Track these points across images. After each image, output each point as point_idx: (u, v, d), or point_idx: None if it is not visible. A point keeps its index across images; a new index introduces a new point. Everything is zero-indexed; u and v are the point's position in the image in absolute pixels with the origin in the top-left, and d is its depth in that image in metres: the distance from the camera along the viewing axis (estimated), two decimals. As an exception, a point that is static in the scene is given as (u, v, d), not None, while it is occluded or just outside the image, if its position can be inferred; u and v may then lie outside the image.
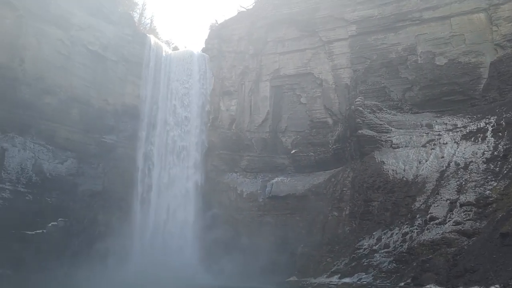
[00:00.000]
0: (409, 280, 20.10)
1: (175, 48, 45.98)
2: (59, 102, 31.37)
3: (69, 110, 32.01)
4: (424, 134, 29.02)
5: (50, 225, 29.44)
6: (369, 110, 31.43)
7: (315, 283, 26.62)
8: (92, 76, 33.78)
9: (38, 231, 28.59)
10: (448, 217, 22.01)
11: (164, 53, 38.69)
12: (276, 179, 36.27)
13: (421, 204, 24.49)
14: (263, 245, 32.49)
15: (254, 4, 41.99)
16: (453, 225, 21.09)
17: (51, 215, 29.69)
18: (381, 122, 30.85)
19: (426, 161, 27.07)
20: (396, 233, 24.34)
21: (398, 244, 23.48)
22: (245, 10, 42.09)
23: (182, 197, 35.26)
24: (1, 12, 28.30)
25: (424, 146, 28.28)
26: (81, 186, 32.39)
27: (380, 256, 23.87)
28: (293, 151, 36.74)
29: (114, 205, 33.67)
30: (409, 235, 23.15)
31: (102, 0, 35.15)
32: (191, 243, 33.39)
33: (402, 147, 29.03)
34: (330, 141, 35.41)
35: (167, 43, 47.33)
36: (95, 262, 28.56)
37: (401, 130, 30.09)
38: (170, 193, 35.14)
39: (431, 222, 22.29)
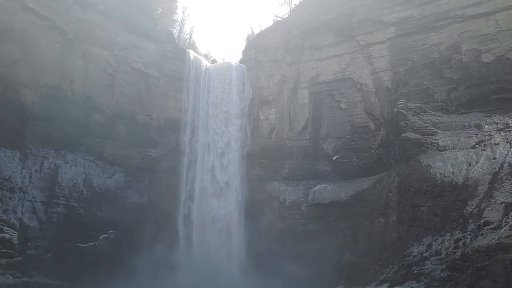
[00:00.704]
0: (464, 288, 19.21)
1: (214, 61, 47.01)
2: (106, 119, 32.83)
3: (116, 126, 33.41)
4: (473, 135, 27.76)
5: (101, 237, 30.70)
6: (412, 113, 30.52)
7: (364, 292, 26.01)
8: (136, 93, 35.13)
9: (90, 244, 29.90)
10: (503, 221, 20.84)
11: (203, 67, 39.59)
12: (318, 187, 35.88)
13: (474, 209, 23.38)
14: (308, 254, 32.15)
15: (289, 13, 42.20)
16: (509, 229, 19.94)
17: (102, 228, 30.96)
18: (425, 125, 29.85)
19: (477, 163, 25.85)
20: (448, 239, 23.34)
21: (450, 251, 22.50)
22: (280, 19, 42.37)
23: (225, 207, 35.62)
24: (52, 37, 30.10)
25: (473, 147, 27.03)
26: (129, 199, 33.57)
27: (431, 263, 22.98)
28: (335, 157, 36.21)
29: (160, 217, 34.60)
30: (462, 241, 22.12)
31: (144, 19, 36.66)
32: (235, 253, 33.60)
33: (449, 149, 27.90)
34: (373, 146, 34.62)
35: (206, 56, 48.51)
36: (144, 272, 29.35)
37: (447, 132, 28.94)
38: (213, 203, 35.60)
39: (486, 227, 21.20)
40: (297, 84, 38.62)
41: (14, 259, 25.86)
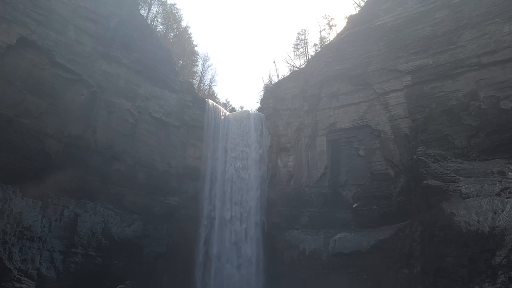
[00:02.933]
0: None
1: (232, 109, 48.04)
2: (127, 167, 33.34)
3: (136, 175, 33.82)
4: (497, 182, 27.01)
5: (118, 287, 30.19)
6: (432, 159, 30.07)
7: None
8: (156, 141, 35.83)
9: (106, 294, 29.39)
10: (535, 273, 19.85)
11: (222, 115, 40.42)
12: (339, 235, 35.01)
13: (502, 259, 22.32)
14: (331, 307, 30.92)
15: (306, 63, 43.26)
16: (542, 282, 18.94)
17: (119, 278, 30.54)
18: (447, 171, 29.28)
19: (503, 211, 24.97)
20: (477, 293, 22.19)
21: (481, 305, 21.34)
22: (297, 69, 43.40)
23: (245, 259, 34.91)
24: (78, 89, 31.41)
25: (498, 195, 26.22)
26: (147, 248, 33.29)
27: (461, 318, 21.76)
28: (355, 205, 35.55)
29: (178, 267, 34.04)
30: (492, 294, 21.01)
31: (166, 71, 38.12)
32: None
33: (473, 196, 27.10)
34: (394, 193, 33.96)
35: (225, 105, 49.68)
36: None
37: (470, 179, 28.26)
38: (231, 256, 34.95)
39: (516, 280, 20.17)
40: (315, 131, 38.83)
41: (31, 311, 25.55)
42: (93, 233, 30.46)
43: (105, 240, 30.97)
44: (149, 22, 46.81)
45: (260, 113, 41.08)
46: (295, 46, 57.77)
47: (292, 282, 33.46)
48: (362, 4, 44.42)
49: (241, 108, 53.58)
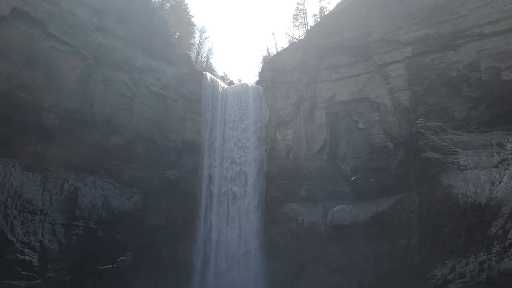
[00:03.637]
0: (491, 314, 18.44)
1: (231, 83, 47.54)
2: (125, 141, 33.28)
3: (134, 149, 33.80)
4: (495, 154, 27.08)
5: (119, 259, 30.66)
6: (431, 132, 30.05)
7: (386, 316, 25.27)
8: (154, 115, 35.64)
9: (108, 266, 29.87)
10: (530, 243, 20.12)
11: (220, 88, 40.09)
12: (337, 208, 35.33)
13: (498, 230, 22.61)
14: (328, 277, 31.51)
15: (305, 34, 42.57)
16: (537, 251, 19.24)
17: (120, 250, 30.96)
18: (445, 144, 29.30)
19: (500, 182, 25.12)
20: (472, 262, 22.57)
21: (475, 274, 21.72)
22: (296, 41, 42.74)
23: (243, 228, 35.36)
24: (73, 62, 31.00)
25: (496, 166, 26.33)
26: (147, 221, 33.60)
27: (455, 286, 22.23)
28: (353, 178, 35.74)
29: (178, 239, 34.47)
30: (487, 263, 21.35)
31: (162, 43, 37.52)
32: (253, 276, 33.14)
33: (471, 168, 27.23)
34: (392, 166, 34.07)
35: (223, 78, 49.16)
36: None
37: (468, 151, 28.31)
38: (231, 225, 35.39)
39: (511, 249, 20.47)
40: (314, 104, 38.61)
41: (34, 282, 25.97)
42: (93, 206, 30.68)
43: (105, 213, 31.22)
44: (145, -8, 45.69)
45: (258, 86, 40.71)
46: (294, 17, 56.71)
47: (290, 253, 33.99)
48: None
49: (239, 81, 53.11)
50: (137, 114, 34.31)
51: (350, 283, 30.32)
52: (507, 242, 20.98)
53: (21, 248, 25.98)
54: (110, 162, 32.36)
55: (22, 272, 25.46)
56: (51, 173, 28.88)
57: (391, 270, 29.18)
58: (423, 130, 30.23)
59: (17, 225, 26.22)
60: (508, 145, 27.25)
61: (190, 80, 38.49)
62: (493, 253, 21.54)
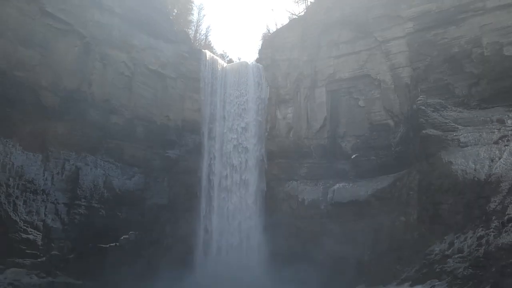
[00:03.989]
0: (488, 287, 18.76)
1: (230, 61, 47.09)
2: (125, 121, 33.26)
3: (134, 128, 33.82)
4: (496, 130, 27.07)
5: (122, 238, 31.10)
6: (432, 109, 29.95)
7: (385, 291, 25.73)
8: (153, 94, 35.48)
9: (111, 244, 30.31)
10: (528, 218, 20.30)
11: (219, 67, 39.72)
12: (337, 185, 35.58)
13: (497, 205, 22.79)
14: (328, 253, 31.92)
15: (305, 10, 41.92)
16: (535, 226, 19.43)
17: (123, 229, 31.35)
18: (446, 121, 29.25)
19: (500, 158, 25.19)
20: (471, 237, 22.84)
21: (473, 249, 22.00)
22: (296, 17, 42.15)
23: (244, 207, 35.67)
24: (71, 41, 30.68)
25: (496, 143, 26.35)
26: (149, 200, 33.92)
27: (453, 261, 22.54)
28: (354, 155, 35.85)
29: (180, 217, 34.82)
30: (485, 238, 21.61)
31: (161, 21, 37.03)
32: (253, 253, 33.60)
33: (471, 145, 27.27)
34: (392, 143, 34.11)
35: (222, 56, 48.66)
36: (165, 272, 29.60)
37: (469, 128, 28.29)
38: (233, 203, 35.69)
39: (510, 224, 20.68)
40: (314, 82, 38.34)
41: (39, 260, 26.43)
42: (95, 186, 30.93)
43: (107, 192, 31.50)
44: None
45: (258, 64, 40.34)
46: (294, -8, 55.55)
47: (290, 231, 34.37)
48: None
49: (239, 59, 52.56)
50: (136, 94, 34.16)
51: (350, 260, 30.75)
52: (506, 218, 21.17)
53: (25, 227, 26.33)
54: (110, 141, 32.43)
55: (27, 251, 25.90)
56: (52, 153, 29.01)
57: (391, 247, 29.56)
58: (423, 107, 30.11)
59: (19, 205, 26.51)
60: (509, 121, 27.20)
61: (189, 59, 38.12)
62: (491, 228, 21.77)
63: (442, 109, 30.12)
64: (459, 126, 28.79)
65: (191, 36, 45.93)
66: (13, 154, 26.72)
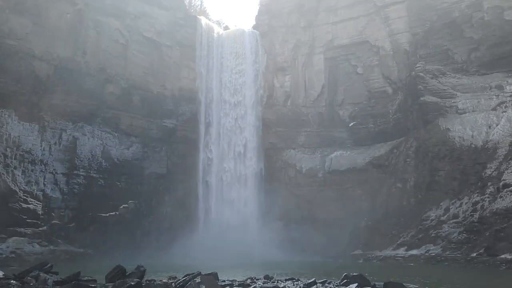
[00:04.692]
0: (481, 251, 19.16)
1: (226, 28, 46.05)
2: (121, 90, 32.88)
3: (131, 98, 33.47)
4: (494, 97, 27.00)
5: (121, 207, 31.36)
6: (431, 76, 29.73)
7: (381, 256, 26.26)
8: (149, 63, 34.93)
9: (111, 213, 30.62)
10: (524, 183, 20.52)
11: (215, 34, 38.96)
12: (335, 153, 35.74)
13: (493, 171, 23.01)
14: (326, 220, 32.41)
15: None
16: (530, 191, 19.66)
17: (122, 198, 31.60)
18: (444, 87, 29.11)
19: (497, 125, 25.24)
20: (466, 203, 23.18)
21: (468, 214, 22.37)
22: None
23: (242, 175, 35.85)
24: (63, 7, 29.90)
25: (494, 109, 26.34)
26: (147, 170, 34.02)
27: (449, 227, 22.96)
28: (352, 123, 35.79)
29: (179, 186, 35.04)
30: (480, 204, 21.93)
31: (154, -14, 35.94)
32: (252, 221, 34.01)
33: (469, 112, 27.28)
34: (390, 111, 34.03)
35: (218, 23, 47.54)
36: (164, 240, 30.06)
37: (467, 94, 28.20)
38: (230, 169, 35.83)
39: (505, 190, 20.92)
40: (312, 49, 37.81)
41: (40, 229, 26.70)
42: (93, 155, 30.92)
43: (105, 162, 31.53)
44: None
45: (255, 31, 39.56)
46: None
47: (288, 198, 34.74)
48: None
49: (235, 26, 51.43)
50: (131, 62, 33.61)
51: (347, 226, 31.24)
52: (501, 183, 21.40)
53: (25, 197, 26.49)
54: (107, 111, 32.18)
55: (28, 220, 26.12)
56: (48, 123, 28.83)
57: (387, 213, 30.00)
58: (422, 74, 29.89)
59: (18, 175, 26.56)
60: (507, 87, 27.07)
61: (185, 26, 37.27)
62: (486, 194, 22.06)
63: (441, 75, 29.90)
64: (457, 93, 28.68)
65: (186, 2, 44.71)
66: (9, 125, 26.57)
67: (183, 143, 36.11)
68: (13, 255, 23.46)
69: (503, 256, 17.84)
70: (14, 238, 24.89)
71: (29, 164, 27.36)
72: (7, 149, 26.23)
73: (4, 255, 23.05)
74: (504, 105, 25.93)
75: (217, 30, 40.24)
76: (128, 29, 33.47)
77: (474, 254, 19.48)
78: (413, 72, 30.60)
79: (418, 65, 30.56)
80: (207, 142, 36.38)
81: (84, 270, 10.42)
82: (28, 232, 25.96)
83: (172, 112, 35.94)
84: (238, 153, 36.22)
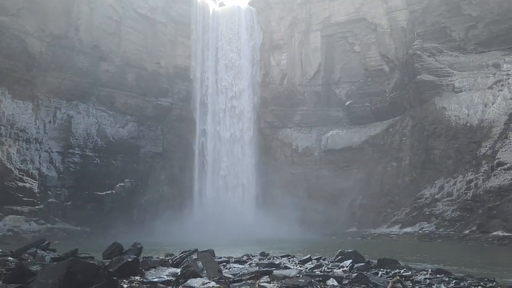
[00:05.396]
0: (474, 228, 19.45)
1: (222, 4, 45.15)
2: (115, 68, 32.47)
3: (125, 75, 33.09)
4: (491, 75, 26.91)
5: (118, 185, 31.44)
6: (428, 54, 29.54)
7: (375, 233, 26.64)
8: (144, 40, 34.42)
9: (107, 192, 30.71)
10: (518, 161, 20.68)
11: (211, 11, 38.26)
12: (331, 132, 35.79)
13: (487, 150, 23.15)
14: (321, 198, 32.69)
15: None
16: (523, 170, 19.83)
17: (118, 177, 31.64)
18: (441, 66, 28.97)
19: (493, 103, 25.26)
20: (460, 181, 23.40)
21: (462, 192, 22.63)
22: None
23: (239, 154, 35.85)
24: (54, -17, 29.18)
25: (490, 88, 26.31)
26: (143, 148, 33.96)
27: (442, 204, 23.24)
28: (348, 102, 35.74)
29: (175, 165, 35.09)
30: (474, 182, 22.15)
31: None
32: (248, 199, 34.25)
33: (465, 90, 27.24)
34: (387, 89, 33.95)
35: (214, -1, 46.53)
36: (160, 217, 30.23)
37: (464, 73, 28.11)
38: (226, 152, 35.76)
39: (499, 168, 21.10)
40: (309, 26, 37.34)
41: (37, 207, 26.76)
42: (88, 134, 30.78)
43: (100, 141, 31.41)
44: None
45: (251, 7, 38.93)
46: None
47: (284, 177, 34.90)
48: None
49: (231, 2, 50.48)
50: (125, 39, 33.09)
51: (342, 204, 31.57)
52: (495, 162, 21.56)
53: (20, 176, 26.43)
54: (101, 89, 31.85)
55: (24, 198, 26.13)
56: (42, 101, 28.53)
57: (382, 191, 30.31)
58: (419, 52, 29.70)
59: (13, 154, 26.43)
60: (504, 66, 26.96)
61: (179, 2, 36.53)
62: (480, 172, 22.25)
63: (438, 53, 29.73)
64: (454, 71, 28.58)
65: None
66: (3, 102, 26.26)
67: (179, 122, 35.95)
68: (10, 233, 23.58)
69: (495, 233, 18.12)
70: (11, 216, 24.96)
71: (24, 143, 27.20)
72: (1, 127, 26.00)
73: (1, 233, 23.17)
74: (501, 83, 25.88)
75: (213, 6, 39.51)
76: (121, 5, 32.80)
77: (467, 232, 19.78)
78: (410, 50, 30.38)
79: (415, 43, 30.32)
80: (203, 120, 36.18)
81: (82, 248, 10.47)
82: (25, 211, 26.01)
83: (167, 90, 35.64)
84: (234, 131, 36.10)
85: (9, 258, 6.57)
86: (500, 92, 25.27)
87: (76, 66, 29.95)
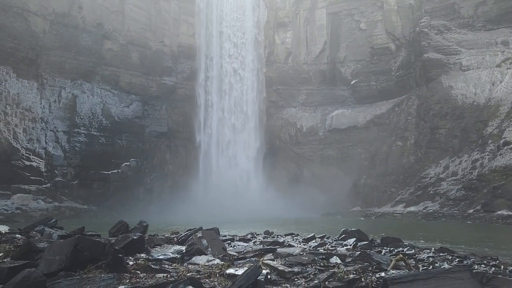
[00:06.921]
0: (478, 207, 19.48)
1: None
2: (119, 46, 32.27)
3: (129, 54, 32.90)
4: (499, 53, 26.46)
5: (123, 165, 31.69)
6: (435, 31, 29.01)
7: (379, 212, 26.76)
8: (147, 18, 34.06)
9: (113, 171, 30.98)
10: (524, 141, 20.53)
11: (215, -13, 37.62)
12: (336, 112, 35.62)
13: (494, 129, 22.95)
14: (325, 178, 32.77)
15: None
16: (530, 149, 19.69)
17: (124, 156, 31.87)
18: (449, 44, 28.48)
19: (501, 82, 24.92)
20: (465, 160, 23.31)
21: (467, 172, 22.57)
22: None
23: (243, 133, 35.80)
24: (56, -40, 28.75)
25: (498, 66, 25.90)
26: (148, 128, 34.05)
27: (447, 184, 23.23)
28: (353, 81, 35.39)
29: (180, 144, 35.20)
30: (480, 161, 22.06)
31: None
32: (253, 177, 34.38)
33: (473, 69, 26.83)
34: (393, 68, 33.54)
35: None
36: (165, 196, 30.51)
37: (472, 51, 27.64)
38: (230, 132, 35.66)
39: (505, 147, 20.98)
40: (314, 3, 36.70)
41: (44, 186, 27.11)
42: (93, 113, 30.86)
43: (106, 120, 31.51)
44: None
45: (256, -17, 38.23)
46: None
47: (288, 156, 34.98)
48: None
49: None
50: (129, 17, 32.76)
51: (347, 183, 31.64)
52: (502, 141, 21.42)
53: (27, 155, 26.68)
54: (105, 68, 31.76)
55: (31, 177, 26.45)
56: (47, 81, 28.55)
57: (386, 171, 30.29)
58: (426, 30, 29.17)
59: (19, 133, 26.62)
60: (513, 43, 26.48)
61: (183, -22, 35.99)
62: (486, 151, 22.14)
63: (446, 31, 29.19)
64: (462, 49, 28.12)
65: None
66: (8, 82, 26.29)
67: (183, 101, 35.85)
68: (18, 211, 23.96)
69: (499, 212, 18.15)
70: (18, 195, 25.32)
71: (30, 122, 27.34)
72: (7, 106, 26.11)
73: (10, 211, 23.53)
74: (509, 61, 25.47)
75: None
76: (124, -18, 32.39)
77: (471, 211, 19.83)
78: (417, 28, 29.85)
79: (423, 20, 29.76)
80: (207, 100, 36.03)
81: (88, 226, 10.61)
82: (33, 189, 26.37)
83: (172, 69, 35.44)
84: (240, 110, 35.96)
85: (17, 235, 6.68)
86: (509, 70, 24.90)
87: (79, 44, 29.80)
